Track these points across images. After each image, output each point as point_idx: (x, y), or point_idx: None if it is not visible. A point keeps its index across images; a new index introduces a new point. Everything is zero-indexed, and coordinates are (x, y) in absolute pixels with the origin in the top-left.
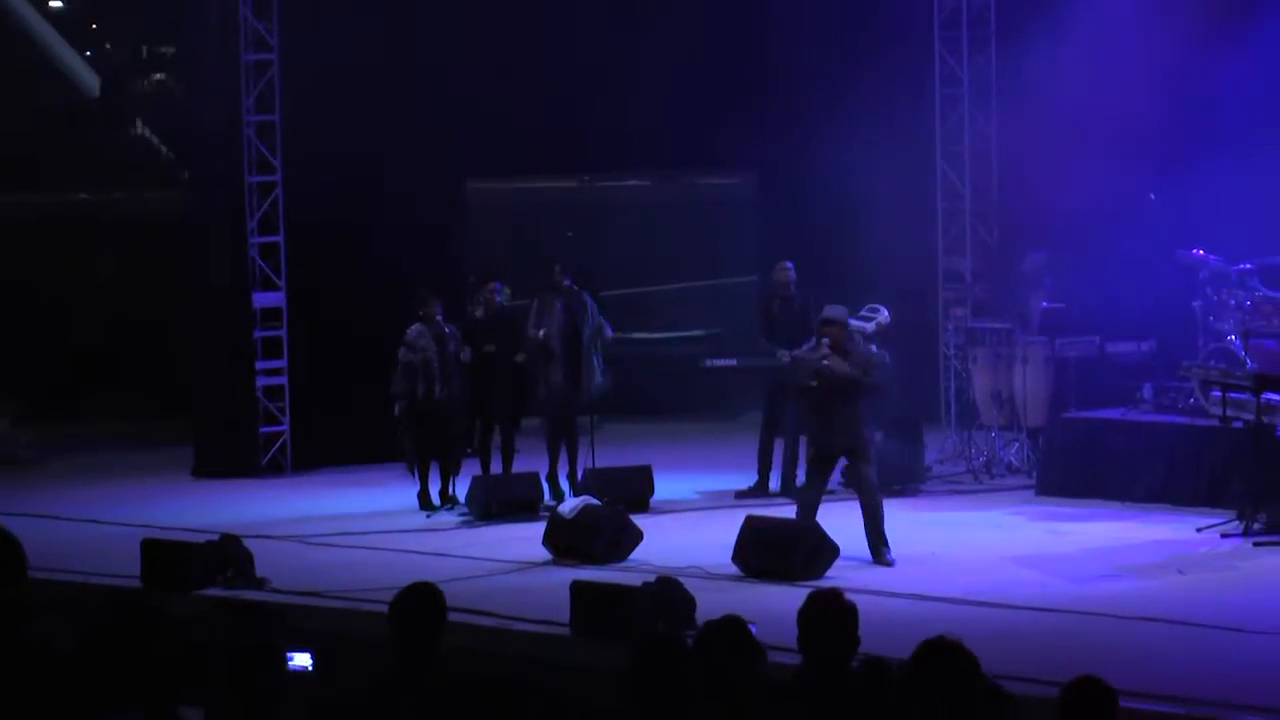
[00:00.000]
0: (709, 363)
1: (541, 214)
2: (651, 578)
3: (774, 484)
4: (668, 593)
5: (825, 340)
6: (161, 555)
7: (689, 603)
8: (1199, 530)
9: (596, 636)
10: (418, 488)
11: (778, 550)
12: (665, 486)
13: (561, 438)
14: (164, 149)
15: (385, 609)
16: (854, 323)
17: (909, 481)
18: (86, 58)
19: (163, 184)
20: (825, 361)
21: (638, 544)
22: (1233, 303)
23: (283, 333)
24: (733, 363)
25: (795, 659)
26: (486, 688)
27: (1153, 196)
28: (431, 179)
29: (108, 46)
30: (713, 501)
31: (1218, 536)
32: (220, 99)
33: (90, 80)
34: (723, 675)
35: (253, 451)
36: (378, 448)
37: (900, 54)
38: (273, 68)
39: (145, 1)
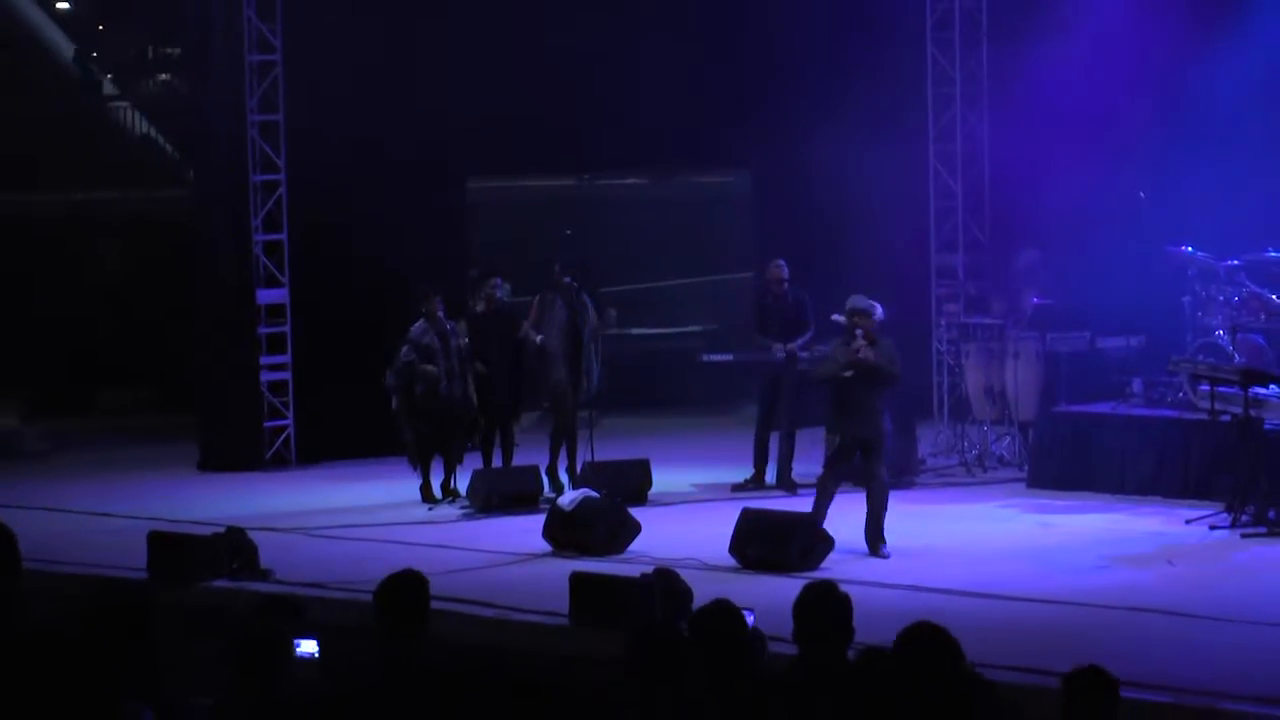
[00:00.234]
0: (706, 358)
1: (541, 211)
2: (649, 569)
3: (770, 477)
4: (665, 584)
5: (859, 331)
6: (168, 547)
7: (686, 594)
8: (1188, 522)
9: (595, 626)
10: (419, 481)
11: (774, 542)
12: (663, 479)
13: (562, 432)
14: (169, 148)
15: None
16: None
17: (902, 475)
18: (94, 58)
19: (169, 183)
20: (861, 354)
21: (636, 536)
22: (1221, 298)
23: (286, 328)
24: (729, 358)
25: (791, 649)
26: (473, 673)
27: (1142, 194)
28: (433, 177)
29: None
30: (709, 494)
31: (1206, 528)
32: (225, 99)
33: (97, 80)
34: (716, 660)
35: (257, 445)
36: (380, 442)
37: (893, 54)
38: (276, 68)
39: (151, 3)
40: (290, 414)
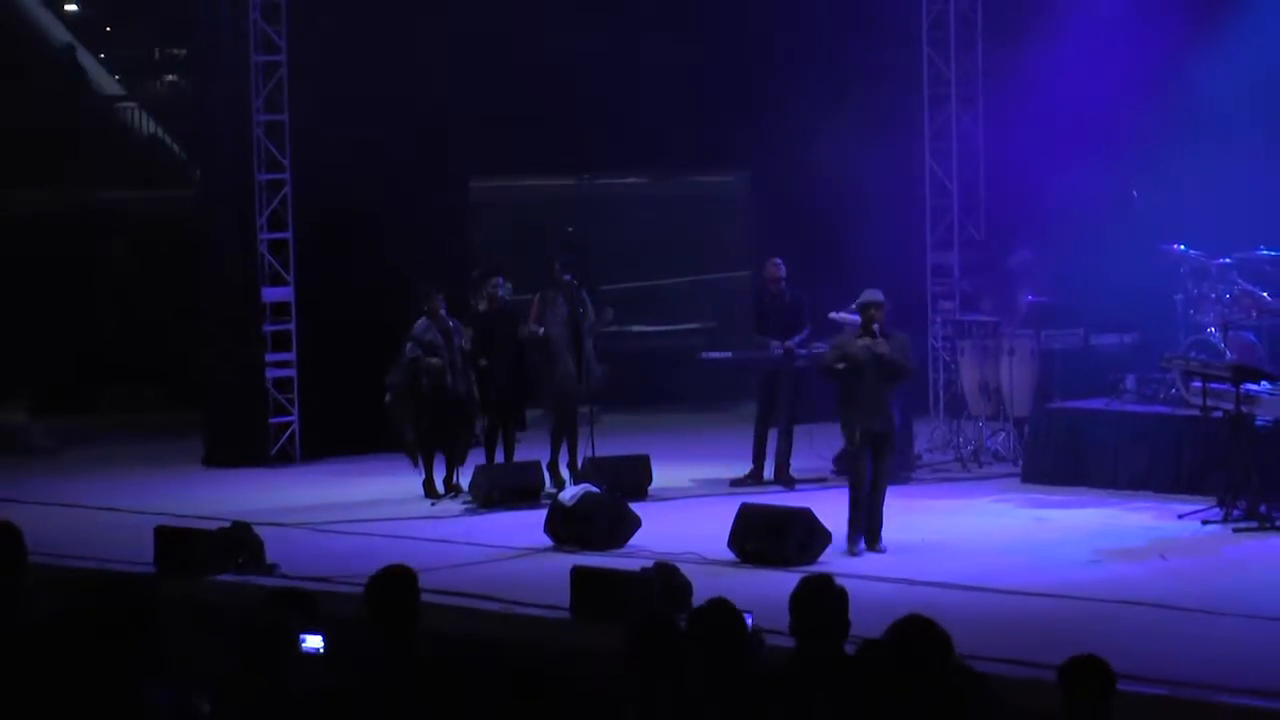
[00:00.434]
0: (705, 356)
1: (542, 211)
2: (649, 563)
3: (768, 472)
4: (665, 577)
5: (876, 326)
6: (174, 542)
7: (686, 587)
8: (1180, 516)
9: (596, 620)
10: (423, 476)
11: (772, 536)
12: (662, 475)
13: (565, 428)
14: (176, 148)
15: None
16: (845, 315)
17: (899, 470)
18: (101, 60)
19: (175, 182)
20: (880, 350)
21: (636, 530)
22: (1213, 296)
23: (291, 326)
24: (728, 356)
25: (789, 643)
26: (466, 664)
27: (1135, 193)
28: (435, 177)
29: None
30: (708, 489)
31: (1199, 523)
32: (231, 99)
33: (106, 81)
34: (714, 657)
35: (262, 441)
36: (384, 438)
37: (890, 56)
38: (281, 69)
39: (159, 5)
40: (295, 410)
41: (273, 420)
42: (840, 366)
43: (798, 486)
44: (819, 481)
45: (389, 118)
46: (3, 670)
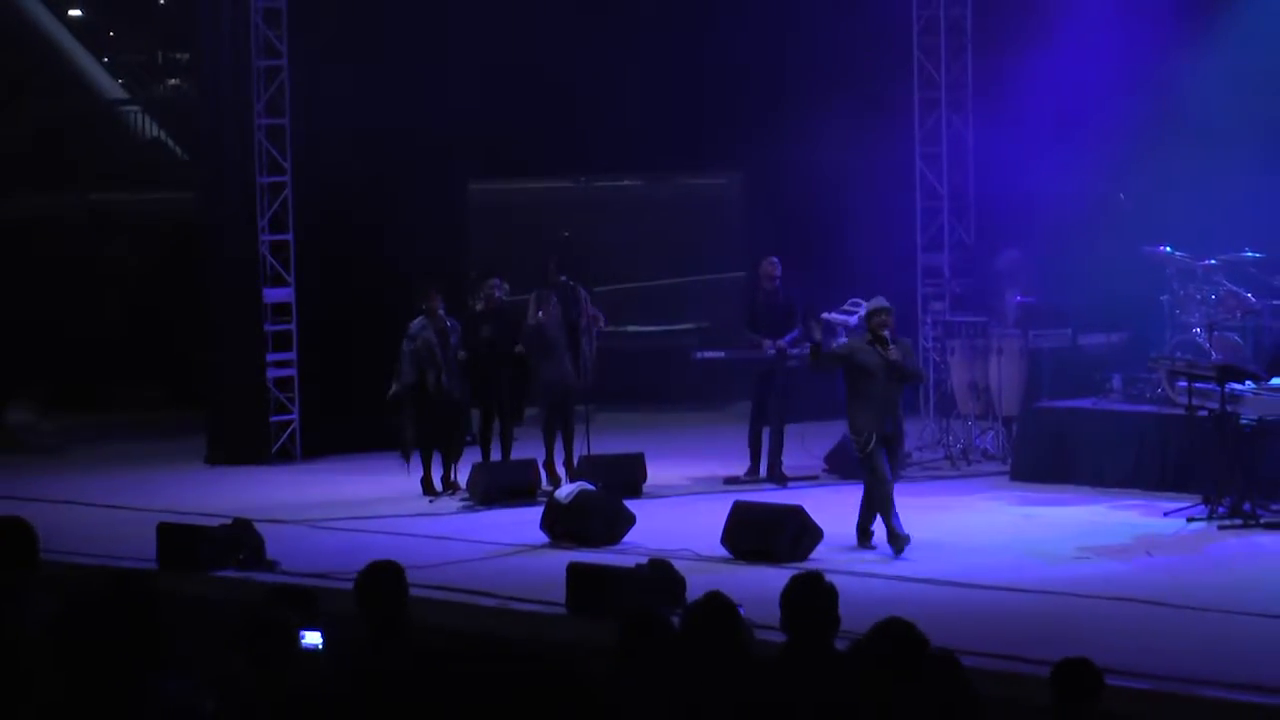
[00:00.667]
0: (699, 355)
1: (539, 213)
2: (644, 560)
3: (762, 470)
4: (659, 574)
5: (886, 332)
6: (176, 538)
7: (680, 583)
8: (1166, 514)
9: (591, 615)
10: (421, 474)
11: (764, 534)
12: (657, 473)
13: (559, 426)
14: (178, 151)
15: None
16: (838, 316)
17: None
18: (104, 63)
19: (178, 185)
20: (894, 358)
21: (631, 527)
22: (1198, 297)
23: (292, 326)
24: (722, 355)
25: (779, 637)
26: (457, 655)
27: (1122, 196)
28: (434, 179)
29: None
30: (702, 487)
31: (1184, 520)
32: (232, 103)
33: (108, 84)
34: (707, 650)
35: (263, 440)
36: (383, 436)
37: (880, 60)
38: (283, 73)
39: (161, 10)
40: (295, 409)
41: (273, 419)
42: (838, 367)
43: (790, 484)
44: (811, 479)
45: (388, 121)
46: (13, 665)
